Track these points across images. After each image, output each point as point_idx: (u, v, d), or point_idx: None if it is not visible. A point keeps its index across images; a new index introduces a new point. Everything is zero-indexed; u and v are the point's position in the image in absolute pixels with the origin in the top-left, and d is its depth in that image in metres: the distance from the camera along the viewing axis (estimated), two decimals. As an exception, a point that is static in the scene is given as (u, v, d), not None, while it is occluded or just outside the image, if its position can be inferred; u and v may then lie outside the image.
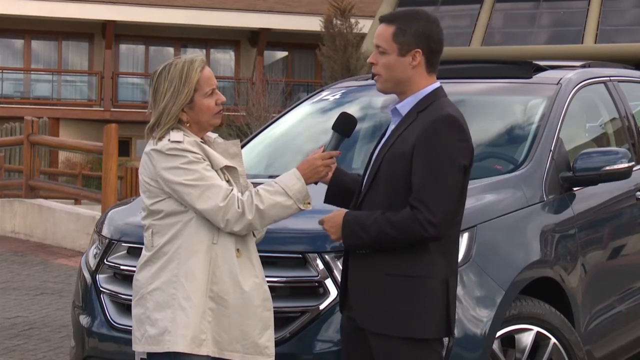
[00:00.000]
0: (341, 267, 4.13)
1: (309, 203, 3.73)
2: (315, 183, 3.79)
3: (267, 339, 3.74)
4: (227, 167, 3.74)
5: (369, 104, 5.89)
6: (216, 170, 3.69)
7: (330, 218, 3.69)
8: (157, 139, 3.69)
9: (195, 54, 3.82)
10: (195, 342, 3.63)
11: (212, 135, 3.86)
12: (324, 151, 3.76)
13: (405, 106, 3.70)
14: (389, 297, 3.60)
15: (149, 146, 3.72)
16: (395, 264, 3.59)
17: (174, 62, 3.73)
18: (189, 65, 3.70)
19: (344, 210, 3.69)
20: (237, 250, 3.70)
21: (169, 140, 3.66)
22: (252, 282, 3.72)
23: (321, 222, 3.73)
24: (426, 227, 3.50)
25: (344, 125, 3.82)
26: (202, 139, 3.77)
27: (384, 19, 3.72)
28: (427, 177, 3.52)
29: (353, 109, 5.78)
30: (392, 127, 3.75)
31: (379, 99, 5.76)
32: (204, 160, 3.67)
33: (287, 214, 3.71)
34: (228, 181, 3.72)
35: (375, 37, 3.71)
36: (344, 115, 3.83)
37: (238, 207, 3.62)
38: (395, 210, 3.57)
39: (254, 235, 3.82)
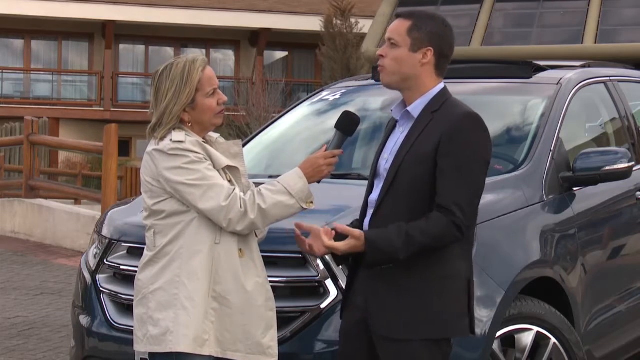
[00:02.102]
0: (342, 269, 4.14)
1: (312, 202, 3.72)
2: (318, 182, 3.77)
3: (270, 338, 3.74)
4: (228, 167, 3.74)
5: (369, 104, 5.89)
6: (218, 170, 3.69)
7: (350, 244, 3.56)
8: (159, 139, 3.69)
9: (196, 54, 3.82)
10: (198, 342, 3.63)
11: (213, 135, 3.86)
12: (326, 150, 3.76)
13: (417, 108, 3.67)
14: (416, 301, 3.57)
15: (151, 146, 3.72)
16: (421, 266, 3.57)
17: (175, 62, 3.73)
18: (191, 65, 3.70)
19: (359, 233, 3.58)
20: (240, 250, 3.70)
21: (170, 140, 3.66)
22: (255, 282, 3.72)
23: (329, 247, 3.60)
24: (462, 230, 3.51)
25: (347, 124, 3.80)
26: (203, 139, 3.77)
27: (401, 14, 3.73)
28: (459, 178, 3.51)
29: (353, 109, 5.77)
30: (401, 129, 3.72)
31: (379, 99, 5.76)
32: (206, 160, 3.67)
33: (289, 213, 3.70)
34: (230, 181, 3.72)
35: (389, 30, 3.71)
36: (347, 114, 3.81)
37: (240, 207, 3.62)
38: (418, 214, 3.54)
39: (256, 235, 3.82)
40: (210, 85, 3.72)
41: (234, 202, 3.61)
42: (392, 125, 3.82)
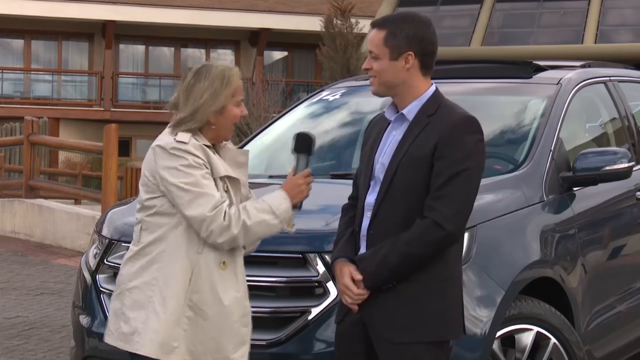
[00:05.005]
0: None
1: (293, 225, 3.72)
2: (299, 208, 3.73)
3: (241, 355, 3.70)
4: (228, 177, 3.72)
5: (369, 104, 5.88)
6: (215, 179, 3.66)
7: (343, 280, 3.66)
8: (176, 134, 3.66)
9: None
10: (164, 349, 3.60)
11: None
12: (294, 174, 3.74)
13: (411, 111, 3.67)
14: (417, 304, 3.57)
15: (156, 141, 3.70)
16: (419, 270, 3.57)
17: (213, 64, 3.72)
18: (230, 71, 3.70)
19: (346, 264, 3.66)
20: (223, 262, 3.67)
21: (175, 139, 3.65)
22: (233, 296, 3.68)
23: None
24: (443, 225, 3.49)
25: (304, 145, 3.80)
26: (212, 145, 3.74)
27: (375, 24, 3.71)
28: (449, 177, 3.51)
29: (352, 109, 5.79)
30: (395, 132, 3.71)
31: (379, 99, 5.75)
32: (205, 167, 3.64)
33: (271, 232, 3.69)
34: (227, 190, 3.69)
35: (368, 42, 3.72)
36: (299, 136, 3.81)
37: (224, 220, 3.58)
38: (414, 217, 3.54)
39: (244, 247, 3.79)
40: (240, 95, 3.73)
41: (218, 214, 3.58)
42: (384, 126, 3.80)
